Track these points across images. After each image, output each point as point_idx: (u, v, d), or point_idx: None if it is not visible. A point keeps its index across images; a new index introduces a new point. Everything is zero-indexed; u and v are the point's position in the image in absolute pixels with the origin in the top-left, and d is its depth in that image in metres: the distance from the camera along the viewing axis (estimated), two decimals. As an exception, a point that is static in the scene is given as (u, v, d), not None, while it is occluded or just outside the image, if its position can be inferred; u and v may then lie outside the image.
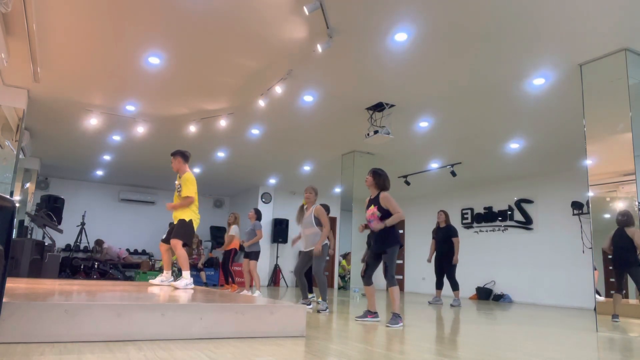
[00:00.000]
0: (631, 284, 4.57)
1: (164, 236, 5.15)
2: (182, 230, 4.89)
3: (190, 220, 4.94)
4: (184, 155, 5.15)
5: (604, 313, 4.63)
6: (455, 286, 7.75)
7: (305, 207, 5.77)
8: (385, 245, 4.40)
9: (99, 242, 11.65)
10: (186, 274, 4.84)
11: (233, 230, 8.00)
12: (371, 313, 4.55)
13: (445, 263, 7.86)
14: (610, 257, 4.70)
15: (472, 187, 11.58)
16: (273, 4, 4.26)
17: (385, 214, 4.45)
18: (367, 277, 4.54)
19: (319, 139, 8.31)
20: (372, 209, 4.49)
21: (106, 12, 4.50)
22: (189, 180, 5.00)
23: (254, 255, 7.28)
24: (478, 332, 4.12)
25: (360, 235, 8.93)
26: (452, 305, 7.50)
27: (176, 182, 5.17)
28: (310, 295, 6.65)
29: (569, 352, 3.13)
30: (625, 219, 4.51)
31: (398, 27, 4.53)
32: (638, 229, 4.40)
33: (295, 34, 4.75)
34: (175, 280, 5.07)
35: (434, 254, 8.08)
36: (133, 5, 4.37)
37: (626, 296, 4.60)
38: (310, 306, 5.51)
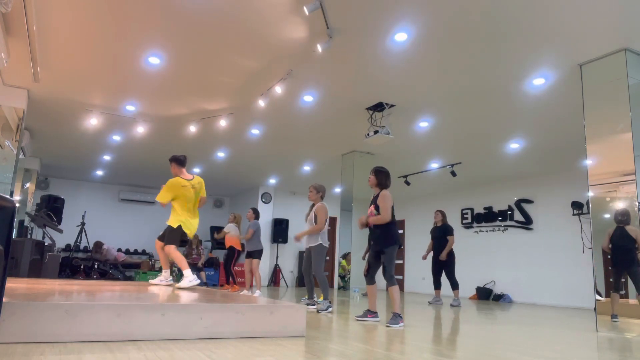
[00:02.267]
0: (631, 284, 4.57)
1: (160, 233, 5.20)
2: (170, 236, 4.99)
3: (179, 226, 4.99)
4: (177, 160, 5.18)
5: (604, 313, 4.63)
6: (454, 285, 7.75)
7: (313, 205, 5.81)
8: (383, 244, 4.41)
9: (98, 244, 11.64)
10: (187, 272, 4.87)
11: (228, 227, 7.99)
12: (371, 313, 4.55)
13: (443, 263, 7.86)
14: (609, 256, 4.69)
15: (472, 187, 11.58)
16: (273, 4, 4.26)
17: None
18: (369, 276, 4.55)
19: (319, 139, 8.31)
20: (371, 207, 4.53)
21: (106, 12, 4.50)
22: (166, 185, 5.05)
23: (257, 254, 7.29)
24: (478, 332, 4.12)
25: (360, 235, 8.92)
26: (452, 305, 7.51)
27: None
28: (322, 298, 6.66)
29: (569, 352, 3.13)
30: (625, 219, 4.50)
31: (398, 27, 4.53)
32: (638, 228, 4.40)
33: (295, 34, 4.75)
34: (175, 280, 5.09)
35: (431, 253, 8.10)
36: (133, 5, 4.37)
37: (626, 296, 4.60)
38: (314, 306, 5.52)
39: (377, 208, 4.47)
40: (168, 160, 5.24)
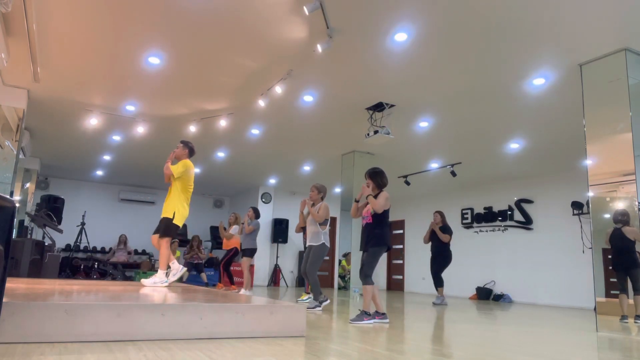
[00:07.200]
0: (629, 284, 4.57)
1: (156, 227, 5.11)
2: (165, 229, 4.85)
3: (174, 215, 4.84)
4: (192, 150, 5.17)
5: (604, 313, 4.63)
6: (439, 282, 7.72)
7: (313, 205, 5.83)
8: (368, 244, 4.38)
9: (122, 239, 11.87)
10: (161, 273, 4.77)
11: (234, 230, 8.05)
12: (379, 314, 4.46)
13: (434, 261, 7.88)
14: (609, 257, 4.69)
15: (472, 187, 11.57)
16: (273, 4, 4.26)
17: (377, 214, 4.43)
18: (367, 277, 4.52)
19: (319, 139, 8.31)
20: (369, 205, 4.47)
21: (106, 12, 4.50)
22: (184, 164, 4.96)
23: (248, 252, 7.36)
24: (478, 332, 4.12)
25: (359, 235, 8.91)
26: (434, 304, 7.46)
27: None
28: (306, 296, 6.68)
29: (569, 352, 3.13)
30: (625, 219, 4.49)
31: (398, 27, 4.53)
32: (636, 228, 4.40)
33: (295, 34, 4.75)
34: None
35: (429, 255, 8.12)
36: (133, 5, 4.36)
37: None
38: (322, 307, 5.50)
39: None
40: (182, 141, 5.15)
